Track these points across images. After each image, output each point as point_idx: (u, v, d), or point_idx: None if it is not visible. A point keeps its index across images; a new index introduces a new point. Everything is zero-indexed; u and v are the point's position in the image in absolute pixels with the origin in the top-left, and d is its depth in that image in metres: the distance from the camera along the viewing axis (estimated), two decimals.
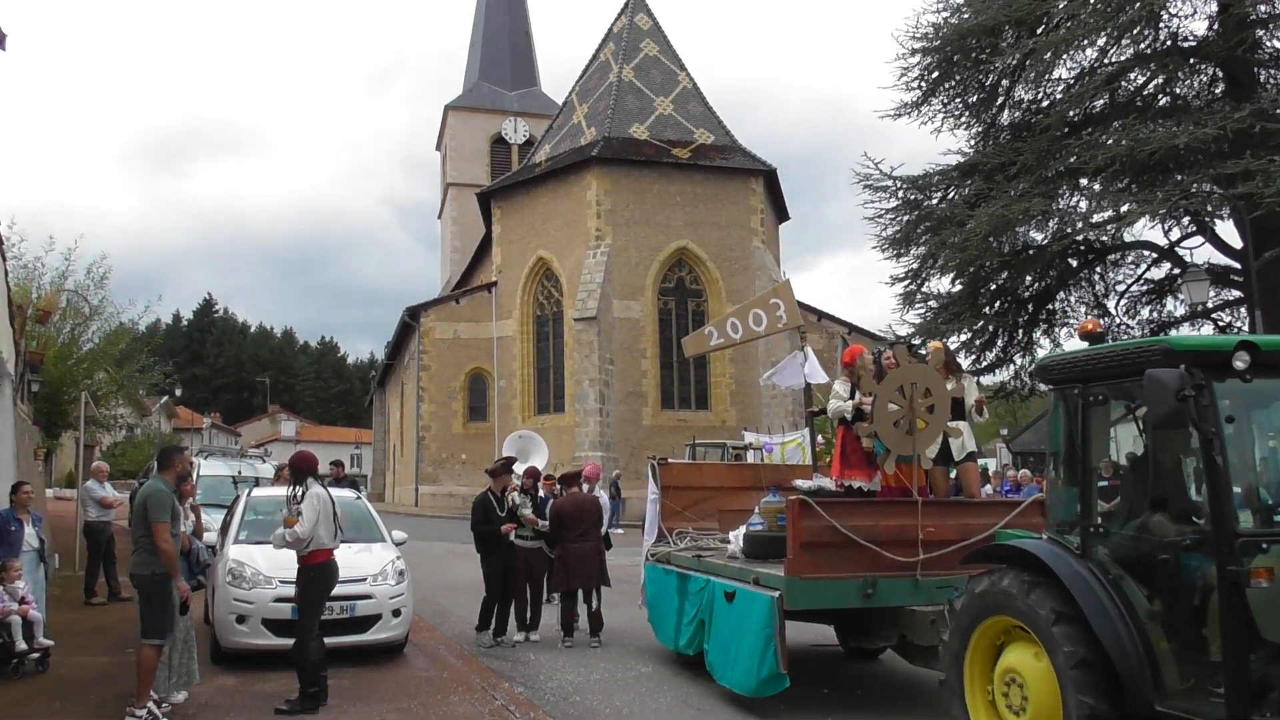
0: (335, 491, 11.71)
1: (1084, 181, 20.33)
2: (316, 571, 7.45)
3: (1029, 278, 22.11)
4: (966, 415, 8.10)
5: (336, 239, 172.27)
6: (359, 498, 11.04)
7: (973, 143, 23.16)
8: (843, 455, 8.02)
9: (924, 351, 8.77)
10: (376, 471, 52.81)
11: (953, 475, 8.47)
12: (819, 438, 10.78)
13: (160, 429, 49.84)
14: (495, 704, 7.29)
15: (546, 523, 10.22)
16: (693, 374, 35.51)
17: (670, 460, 12.05)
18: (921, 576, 6.97)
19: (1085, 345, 5.52)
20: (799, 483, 7.88)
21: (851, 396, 7.98)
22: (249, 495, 10.41)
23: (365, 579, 8.81)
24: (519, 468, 11.34)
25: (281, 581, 8.47)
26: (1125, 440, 5.34)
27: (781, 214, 40.20)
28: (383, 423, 55.21)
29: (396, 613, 8.91)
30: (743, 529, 8.25)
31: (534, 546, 10.35)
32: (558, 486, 10.85)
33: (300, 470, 7.59)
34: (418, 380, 38.48)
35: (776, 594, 6.87)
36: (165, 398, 46.18)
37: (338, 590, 8.50)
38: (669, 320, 35.37)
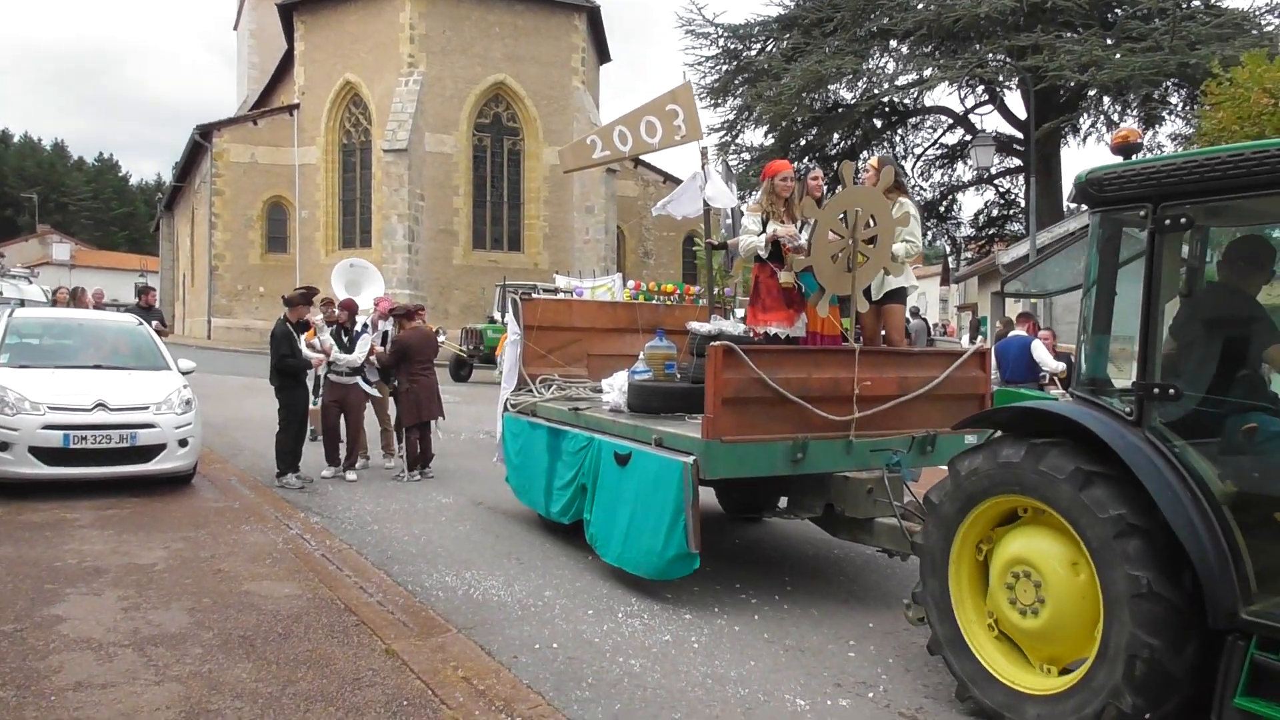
0: (113, 315, 11.10)
1: (893, 44, 21.03)
2: None
3: (836, 135, 22.94)
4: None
5: (116, 43, 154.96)
6: (140, 324, 10.40)
7: None
8: (756, 297, 6.84)
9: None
10: (165, 302, 49.49)
11: None
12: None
13: None
14: (290, 533, 7.23)
15: (351, 355, 9.86)
16: (505, 215, 34.97)
17: (535, 295, 10.65)
18: (855, 438, 5.98)
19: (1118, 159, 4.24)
20: (694, 325, 6.76)
21: (764, 229, 6.66)
22: (10, 317, 9.59)
23: (148, 407, 8.41)
24: (345, 298, 10.64)
25: (50, 408, 7.99)
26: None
27: (604, 55, 39.27)
28: (171, 250, 51.57)
29: (183, 442, 8.57)
30: (621, 377, 7.07)
31: (350, 382, 9.97)
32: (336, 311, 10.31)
33: None
34: (210, 206, 35.95)
35: (690, 459, 5.64)
36: None
37: (118, 419, 8.19)
38: (483, 157, 34.41)
